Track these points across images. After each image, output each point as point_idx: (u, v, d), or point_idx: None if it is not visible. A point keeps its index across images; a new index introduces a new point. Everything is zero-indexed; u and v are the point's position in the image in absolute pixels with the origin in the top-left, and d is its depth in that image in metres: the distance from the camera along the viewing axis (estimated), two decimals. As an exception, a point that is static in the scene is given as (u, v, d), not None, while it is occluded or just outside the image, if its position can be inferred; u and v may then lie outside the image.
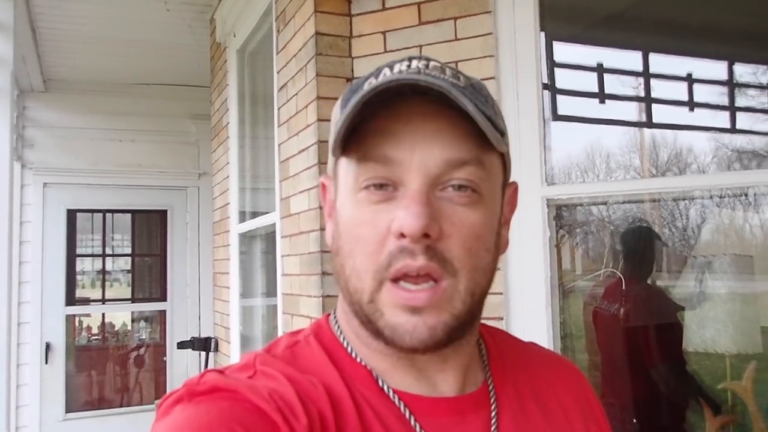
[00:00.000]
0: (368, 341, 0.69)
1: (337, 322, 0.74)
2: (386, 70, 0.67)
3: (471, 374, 0.73)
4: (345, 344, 0.71)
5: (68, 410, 5.00)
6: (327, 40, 2.26)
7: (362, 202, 0.64)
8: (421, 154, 0.63)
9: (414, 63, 0.67)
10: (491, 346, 0.79)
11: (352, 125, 0.62)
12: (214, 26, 3.86)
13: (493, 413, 0.71)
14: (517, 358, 0.80)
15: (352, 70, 2.29)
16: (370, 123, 0.64)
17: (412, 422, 0.66)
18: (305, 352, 0.70)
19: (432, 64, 0.68)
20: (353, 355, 0.70)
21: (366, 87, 0.63)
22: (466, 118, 0.62)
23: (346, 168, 0.67)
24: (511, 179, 0.74)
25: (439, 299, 0.62)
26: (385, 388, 0.68)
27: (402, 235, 0.61)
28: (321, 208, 2.17)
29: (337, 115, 0.70)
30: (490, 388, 0.73)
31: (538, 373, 0.79)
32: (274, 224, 2.75)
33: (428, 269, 0.61)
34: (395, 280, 0.62)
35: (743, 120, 3.73)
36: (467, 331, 0.68)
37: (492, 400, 0.72)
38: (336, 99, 2.40)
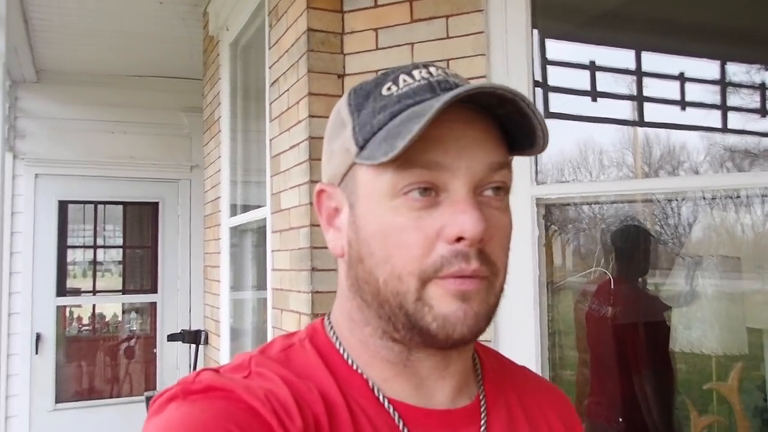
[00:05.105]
0: (380, 349, 0.69)
1: (332, 328, 0.73)
2: (405, 77, 0.67)
3: (466, 385, 0.73)
4: (341, 351, 0.70)
5: (58, 400, 5.00)
6: (319, 37, 2.26)
7: (401, 207, 0.64)
8: (468, 159, 0.63)
9: (432, 69, 0.68)
10: (485, 361, 0.79)
11: (417, 135, 0.59)
12: (207, 19, 3.85)
13: (483, 428, 0.71)
14: (510, 376, 0.80)
15: (344, 67, 2.28)
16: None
17: None
18: (300, 356, 0.70)
19: (448, 70, 0.69)
20: (349, 362, 0.69)
21: (443, 97, 0.60)
22: (496, 123, 0.65)
23: (376, 174, 0.65)
24: None
25: (483, 289, 0.65)
26: (381, 397, 0.67)
27: (458, 240, 0.62)
28: (311, 204, 2.18)
29: (348, 120, 0.68)
30: (482, 402, 0.73)
31: (529, 393, 0.80)
32: (264, 219, 2.75)
33: (479, 272, 0.63)
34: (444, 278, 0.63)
35: (735, 119, 3.74)
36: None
37: (483, 415, 0.72)
38: (327, 96, 2.36)
